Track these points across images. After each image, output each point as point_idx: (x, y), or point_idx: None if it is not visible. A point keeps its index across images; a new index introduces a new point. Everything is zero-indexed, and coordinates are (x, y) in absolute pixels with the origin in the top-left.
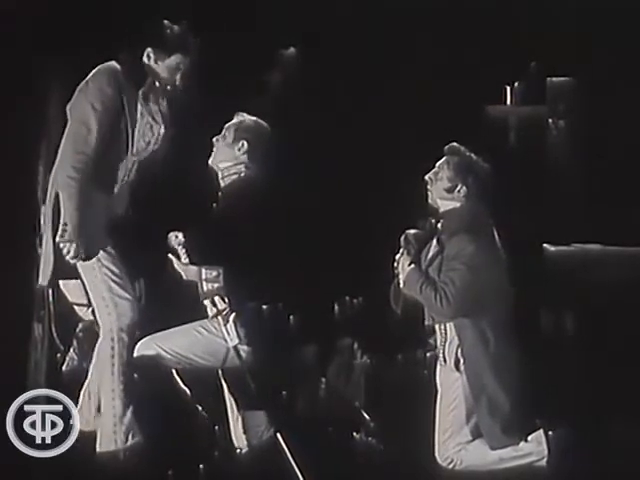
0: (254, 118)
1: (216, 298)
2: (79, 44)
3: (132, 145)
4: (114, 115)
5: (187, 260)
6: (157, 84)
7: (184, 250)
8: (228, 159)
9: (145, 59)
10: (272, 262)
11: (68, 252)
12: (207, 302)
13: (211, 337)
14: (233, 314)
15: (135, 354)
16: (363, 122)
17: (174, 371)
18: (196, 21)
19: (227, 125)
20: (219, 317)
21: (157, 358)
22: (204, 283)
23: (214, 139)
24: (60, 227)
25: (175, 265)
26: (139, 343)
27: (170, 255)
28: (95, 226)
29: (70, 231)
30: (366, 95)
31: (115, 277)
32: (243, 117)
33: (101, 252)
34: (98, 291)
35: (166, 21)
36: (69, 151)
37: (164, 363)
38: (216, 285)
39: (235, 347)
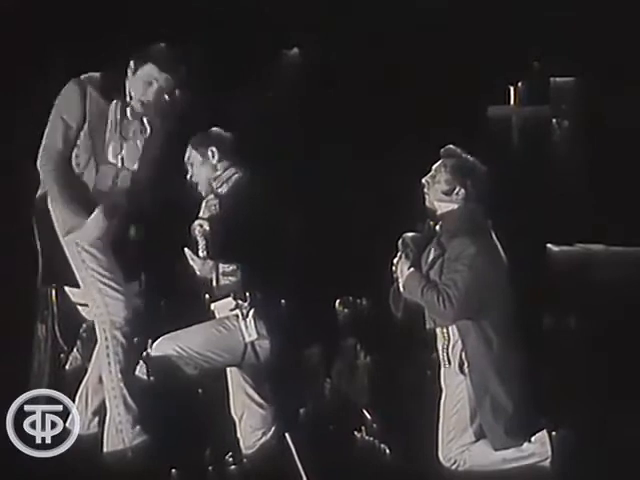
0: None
1: (236, 293)
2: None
3: (98, 155)
4: (78, 125)
5: (205, 253)
6: (134, 101)
7: (204, 242)
8: (211, 171)
9: (129, 71)
10: (276, 262)
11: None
12: (216, 305)
13: (229, 334)
14: (252, 310)
15: (152, 354)
16: (365, 122)
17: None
18: (197, 21)
19: (186, 156)
20: (238, 311)
21: (175, 358)
22: (221, 277)
23: (188, 165)
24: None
25: (190, 260)
26: (156, 343)
27: (186, 249)
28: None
29: (70, 217)
30: (368, 96)
31: (103, 278)
32: (194, 137)
33: (85, 254)
34: (89, 293)
35: (161, 43)
36: (46, 154)
37: (182, 363)
38: (233, 279)
39: (252, 343)
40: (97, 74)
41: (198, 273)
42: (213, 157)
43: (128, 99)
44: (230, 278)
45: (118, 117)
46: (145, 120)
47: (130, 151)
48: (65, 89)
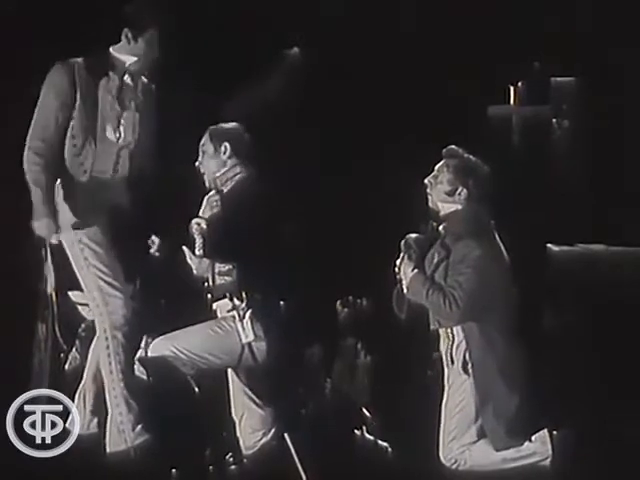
0: (224, 124)
1: (233, 293)
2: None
3: (94, 133)
4: (67, 105)
5: (201, 252)
6: (129, 73)
7: (201, 241)
8: (219, 167)
9: (125, 40)
10: (275, 263)
11: (41, 229)
12: (218, 304)
13: (226, 335)
14: (249, 310)
15: (150, 354)
16: (366, 123)
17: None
18: (199, 21)
19: (202, 142)
20: (235, 312)
21: (172, 359)
22: (216, 277)
23: (199, 159)
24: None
25: (187, 259)
26: (153, 343)
27: (184, 247)
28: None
29: (37, 209)
30: (368, 96)
31: (104, 275)
32: (214, 126)
33: (87, 251)
34: (90, 290)
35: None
36: (33, 138)
37: (179, 364)
38: (229, 279)
39: (249, 344)
40: (81, 58)
41: (195, 272)
42: (224, 153)
43: (127, 65)
44: (226, 278)
45: (113, 90)
46: (142, 82)
47: (128, 121)
48: (51, 72)
